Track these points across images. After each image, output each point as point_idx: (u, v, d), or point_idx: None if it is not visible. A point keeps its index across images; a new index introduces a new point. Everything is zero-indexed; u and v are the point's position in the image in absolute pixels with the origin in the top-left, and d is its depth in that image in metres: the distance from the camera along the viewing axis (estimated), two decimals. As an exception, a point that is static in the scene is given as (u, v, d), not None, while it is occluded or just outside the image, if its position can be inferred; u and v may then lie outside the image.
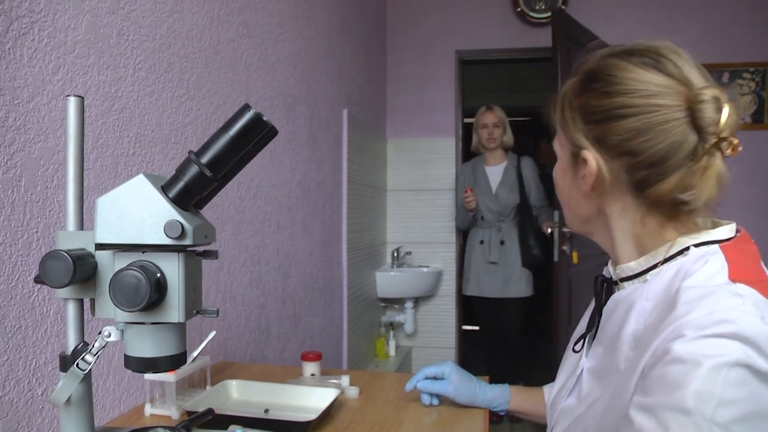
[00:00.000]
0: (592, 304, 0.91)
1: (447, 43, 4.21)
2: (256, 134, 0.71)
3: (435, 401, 1.26)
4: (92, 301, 0.74)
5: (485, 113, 3.61)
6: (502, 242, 3.55)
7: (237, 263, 1.76)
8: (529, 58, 4.24)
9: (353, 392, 1.33)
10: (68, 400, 0.72)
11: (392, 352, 3.89)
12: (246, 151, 0.72)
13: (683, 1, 3.93)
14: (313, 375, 1.42)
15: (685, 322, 0.63)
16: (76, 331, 0.74)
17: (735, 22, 3.86)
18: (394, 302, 4.08)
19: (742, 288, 0.66)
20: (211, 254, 0.75)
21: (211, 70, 1.61)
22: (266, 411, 1.18)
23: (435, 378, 1.24)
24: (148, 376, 1.17)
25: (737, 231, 0.77)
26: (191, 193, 0.70)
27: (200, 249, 0.75)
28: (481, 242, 3.60)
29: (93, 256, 0.72)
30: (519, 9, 4.07)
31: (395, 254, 4.02)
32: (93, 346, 0.72)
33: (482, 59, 4.35)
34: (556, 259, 3.06)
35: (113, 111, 1.20)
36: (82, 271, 0.69)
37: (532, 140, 6.33)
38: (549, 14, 4.04)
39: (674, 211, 0.75)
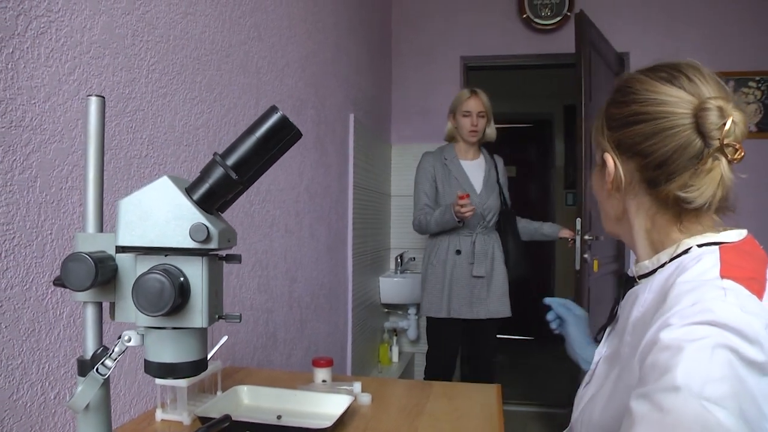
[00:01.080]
0: None
1: (452, 50, 4.20)
2: (282, 137, 0.70)
3: (554, 325, 1.22)
4: (112, 305, 0.73)
5: (470, 98, 2.93)
6: (488, 253, 2.89)
7: (246, 267, 1.74)
8: (535, 64, 4.23)
9: (366, 399, 1.32)
10: (87, 405, 0.71)
11: (395, 358, 3.87)
12: (271, 154, 0.71)
13: (688, 10, 3.93)
14: (324, 381, 1.40)
15: (672, 314, 0.69)
16: (95, 335, 0.73)
17: (740, 31, 3.86)
18: (398, 308, 4.07)
19: (728, 283, 0.71)
20: (234, 258, 0.74)
21: (223, 72, 1.60)
22: (279, 417, 1.17)
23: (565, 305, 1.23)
24: (160, 380, 1.16)
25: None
26: (216, 195, 0.68)
27: (222, 253, 0.74)
28: (458, 252, 2.86)
29: (113, 259, 0.71)
30: (525, 15, 4.07)
31: (399, 260, 4.01)
32: (113, 351, 0.71)
33: (487, 65, 4.34)
34: (578, 267, 3.05)
35: (127, 112, 1.19)
36: (103, 273, 0.67)
37: (535, 147, 6.34)
38: (555, 21, 4.04)
39: (680, 210, 0.81)
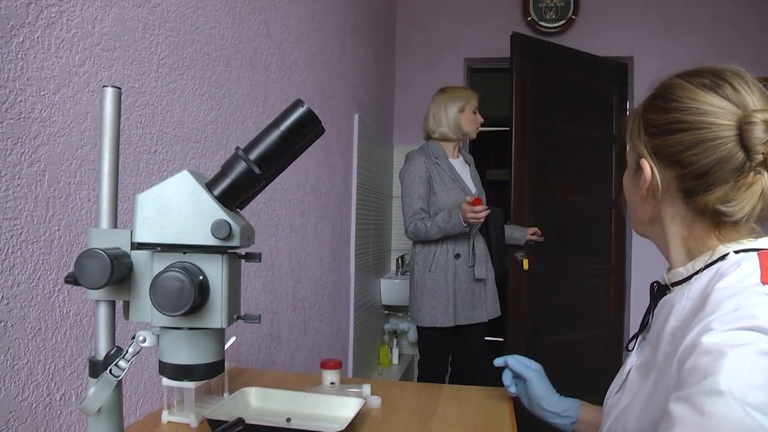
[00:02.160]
0: None
1: (456, 51, 4.19)
2: (307, 131, 0.67)
3: (513, 389, 1.25)
4: (125, 304, 0.70)
5: (476, 95, 2.85)
6: (484, 254, 2.83)
7: (251, 267, 1.71)
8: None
9: (375, 402, 1.29)
10: (99, 409, 0.68)
11: (395, 360, 3.85)
12: (295, 150, 0.69)
13: (692, 16, 3.92)
14: (332, 384, 1.37)
15: (713, 318, 0.68)
16: (107, 334, 0.70)
17: (744, 37, 3.86)
18: (398, 310, 4.04)
19: None
20: (254, 257, 0.71)
21: (232, 69, 1.57)
22: (288, 420, 1.14)
23: (523, 363, 1.25)
24: (166, 381, 1.13)
25: None
26: (238, 191, 0.66)
27: (242, 251, 0.71)
28: (458, 256, 2.73)
29: (129, 256, 0.68)
30: (529, 18, 4.05)
31: (400, 262, 3.98)
32: (127, 352, 0.68)
33: (491, 68, 4.32)
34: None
35: (137, 106, 1.16)
36: (119, 271, 0.65)
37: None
38: (560, 24, 4.03)
39: (718, 221, 0.79)
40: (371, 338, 3.55)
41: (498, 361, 1.27)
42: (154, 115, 1.22)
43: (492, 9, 4.14)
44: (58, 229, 0.96)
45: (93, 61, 1.03)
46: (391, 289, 3.78)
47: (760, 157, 0.73)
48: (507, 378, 1.27)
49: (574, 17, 4.00)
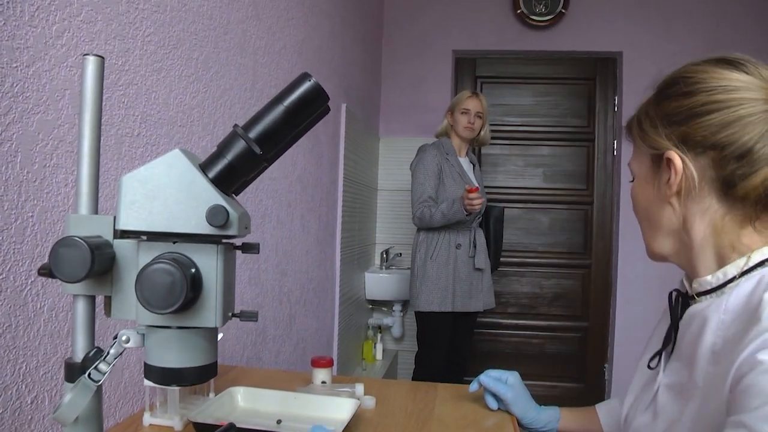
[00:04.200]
0: (664, 320, 0.89)
1: (444, 43, 4.12)
2: (314, 109, 0.60)
3: (494, 406, 1.21)
4: (107, 299, 0.62)
5: (470, 98, 2.99)
6: (483, 246, 2.99)
7: (238, 259, 1.63)
8: (528, 58, 4.16)
9: (369, 402, 1.22)
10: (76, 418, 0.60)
11: (379, 355, 3.78)
12: (299, 129, 0.61)
13: (685, 12, 3.89)
14: (324, 383, 1.30)
15: None
16: (86, 334, 0.63)
17: (735, 32, 3.84)
18: (383, 305, 3.98)
19: None
20: (252, 248, 0.64)
21: (220, 51, 1.49)
22: (279, 422, 1.07)
23: (499, 380, 1.21)
24: (148, 381, 1.05)
25: None
26: (236, 173, 0.59)
27: (237, 241, 0.64)
28: (459, 246, 2.90)
29: (111, 246, 0.61)
30: (519, 11, 3.99)
31: (384, 255, 3.91)
32: (108, 353, 0.61)
33: (480, 60, 4.26)
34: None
35: (119, 86, 1.08)
36: (100, 262, 0.57)
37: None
38: (550, 17, 3.98)
39: (754, 212, 0.73)
40: (355, 333, 3.48)
41: (473, 387, 1.23)
42: (138, 95, 1.14)
43: (481, 1, 4.07)
44: (32, 216, 0.88)
45: (72, 33, 0.95)
46: (375, 283, 3.71)
47: None
48: (491, 403, 1.21)
49: (564, 11, 3.95)
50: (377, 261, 4.04)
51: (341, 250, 2.96)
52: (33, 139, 0.87)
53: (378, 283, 3.72)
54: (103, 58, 0.63)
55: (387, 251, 3.93)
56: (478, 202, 2.63)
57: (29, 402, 0.87)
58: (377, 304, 3.98)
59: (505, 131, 4.06)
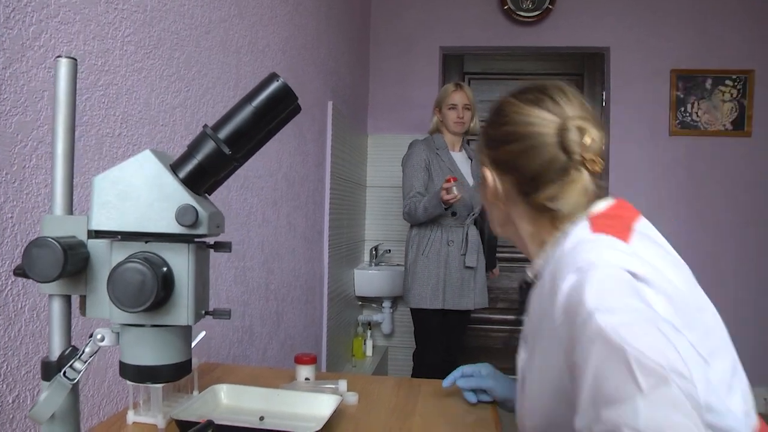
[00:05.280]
0: None
1: (431, 39, 4.12)
2: (283, 108, 0.61)
3: (473, 398, 1.25)
4: (82, 298, 0.63)
5: (455, 92, 2.94)
6: (477, 244, 2.91)
7: (222, 258, 1.64)
8: (516, 54, 4.17)
9: (352, 398, 1.24)
10: (52, 415, 0.61)
11: (369, 352, 3.80)
12: (269, 128, 0.62)
13: (672, 7, 3.92)
14: (307, 379, 1.32)
15: (564, 268, 0.78)
16: (62, 333, 0.64)
17: (720, 30, 3.86)
18: (372, 301, 3.99)
19: (598, 235, 0.82)
20: (224, 246, 0.65)
21: (202, 50, 1.50)
22: (261, 419, 1.08)
23: (472, 376, 1.26)
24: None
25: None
26: (206, 173, 0.60)
27: (210, 240, 0.65)
28: (451, 243, 2.85)
29: (85, 246, 0.62)
30: (506, 7, 4.00)
31: (374, 252, 3.93)
32: (83, 352, 0.62)
33: (467, 56, 4.27)
34: None
35: (99, 86, 1.08)
36: (73, 262, 0.58)
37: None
38: (536, 13, 3.99)
39: (554, 215, 0.90)
40: (345, 330, 3.50)
41: (446, 383, 1.28)
42: (119, 95, 1.14)
43: (468, -3, 4.08)
44: (11, 217, 0.88)
45: (50, 35, 0.95)
46: (364, 280, 3.73)
47: (578, 157, 0.85)
48: (470, 397, 1.26)
49: (551, 7, 3.96)
50: (366, 258, 4.05)
51: (329, 247, 2.97)
52: (12, 140, 0.88)
53: (367, 279, 3.73)
54: (75, 60, 0.64)
55: (376, 248, 3.94)
56: (451, 195, 2.53)
57: (10, 401, 0.88)
58: (367, 301, 3.99)
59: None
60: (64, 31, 0.98)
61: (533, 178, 0.89)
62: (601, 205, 0.90)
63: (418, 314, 2.89)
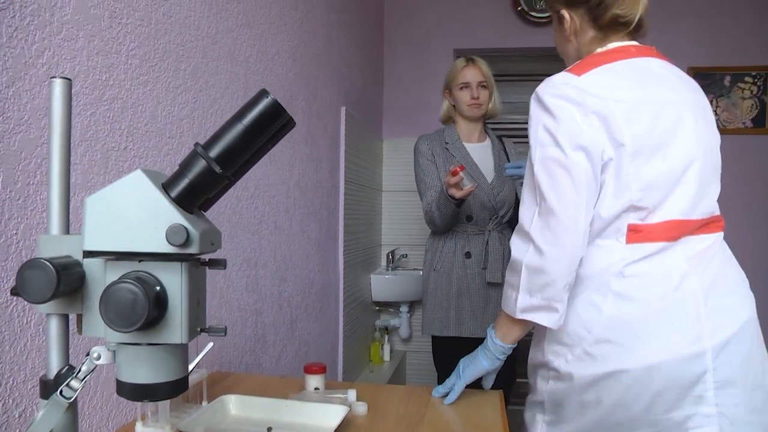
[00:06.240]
0: None
1: (445, 41, 4.11)
2: (274, 125, 0.61)
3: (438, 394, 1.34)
4: (79, 317, 0.64)
5: (466, 67, 2.40)
6: (504, 255, 2.31)
7: (233, 267, 1.65)
8: (530, 55, 4.15)
9: (361, 408, 1.23)
10: (49, 433, 0.62)
11: (387, 357, 3.79)
12: (261, 145, 0.62)
13: (688, 4, 3.86)
14: (317, 389, 1.32)
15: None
16: (59, 351, 0.64)
17: (739, 26, 3.80)
18: (389, 306, 3.98)
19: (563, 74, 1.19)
20: (218, 263, 0.65)
21: (209, 60, 1.50)
22: (269, 430, 1.08)
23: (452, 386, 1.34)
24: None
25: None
26: (197, 192, 0.60)
27: (205, 257, 0.65)
28: (468, 255, 2.31)
29: (80, 265, 0.62)
30: (519, 8, 3.98)
31: (390, 257, 3.92)
32: (80, 370, 0.62)
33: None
34: None
35: (104, 101, 1.09)
36: (67, 282, 0.59)
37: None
38: (550, 14, 3.96)
39: (616, 29, 1.25)
40: (362, 335, 3.49)
41: (438, 391, 1.36)
42: (124, 109, 1.15)
43: (481, -2, 4.07)
44: (16, 234, 0.89)
45: (53, 52, 0.96)
46: (381, 285, 3.72)
47: None
48: (451, 396, 1.33)
49: (564, 6, 3.94)
50: (383, 262, 4.04)
51: (344, 252, 2.97)
52: (15, 158, 0.89)
53: (384, 284, 3.72)
54: (70, 80, 0.64)
55: (393, 252, 3.93)
56: (457, 189, 2.03)
57: (17, 416, 0.89)
58: (384, 306, 3.98)
59: (509, 129, 4.05)
60: (68, 48, 0.99)
61: (598, 4, 1.22)
62: (611, 46, 1.24)
63: (433, 340, 2.41)
